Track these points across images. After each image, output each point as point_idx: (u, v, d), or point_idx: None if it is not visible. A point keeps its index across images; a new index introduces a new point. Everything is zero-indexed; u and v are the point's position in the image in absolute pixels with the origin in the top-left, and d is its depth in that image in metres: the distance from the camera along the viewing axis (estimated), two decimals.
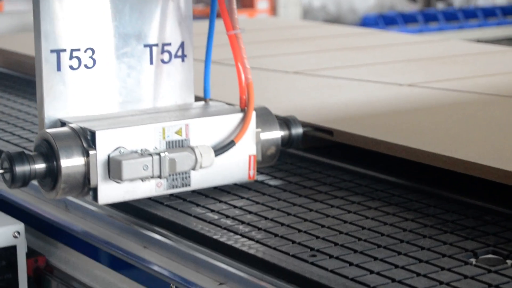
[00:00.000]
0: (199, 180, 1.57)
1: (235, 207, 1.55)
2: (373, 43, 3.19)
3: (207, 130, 1.56)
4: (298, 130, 1.70)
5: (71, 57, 1.54)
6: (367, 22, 8.28)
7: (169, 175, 1.52)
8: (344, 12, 8.76)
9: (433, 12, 8.79)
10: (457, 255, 1.33)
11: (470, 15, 8.67)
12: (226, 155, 1.57)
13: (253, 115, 1.59)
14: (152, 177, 1.49)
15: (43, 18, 1.50)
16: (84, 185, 1.49)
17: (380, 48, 3.08)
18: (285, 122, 1.70)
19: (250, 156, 1.61)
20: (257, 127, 1.61)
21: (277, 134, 1.66)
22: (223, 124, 1.58)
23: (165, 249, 1.46)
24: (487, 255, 1.35)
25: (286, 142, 1.70)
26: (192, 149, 1.52)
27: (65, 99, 1.55)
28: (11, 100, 2.45)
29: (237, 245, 1.38)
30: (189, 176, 1.56)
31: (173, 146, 1.53)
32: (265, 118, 1.65)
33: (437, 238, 1.40)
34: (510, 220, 1.48)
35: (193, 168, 1.52)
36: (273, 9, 7.84)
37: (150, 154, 1.48)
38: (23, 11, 5.74)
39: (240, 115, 1.59)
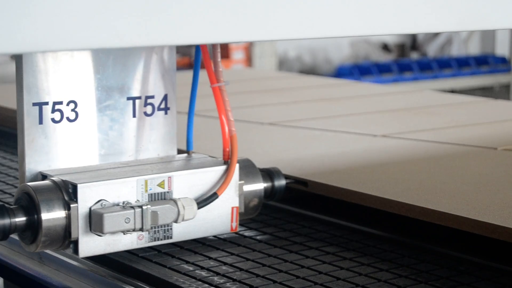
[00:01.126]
0: (181, 232, 1.56)
1: (210, 258, 1.54)
2: (347, 94, 3.21)
3: (190, 183, 1.55)
4: (281, 182, 1.70)
5: (53, 110, 1.53)
6: (342, 72, 8.36)
7: (151, 228, 1.51)
8: (319, 63, 8.83)
9: (407, 62, 8.89)
10: None
11: (444, 65, 8.78)
12: (209, 207, 1.56)
13: (236, 168, 1.59)
14: (134, 230, 1.47)
15: (26, 71, 1.49)
16: (65, 238, 1.47)
17: (354, 99, 3.10)
18: (268, 174, 1.70)
19: (233, 208, 1.60)
20: (240, 179, 1.61)
21: (260, 186, 1.66)
22: (206, 177, 1.57)
23: None
24: None
25: (269, 194, 1.70)
26: (175, 201, 1.51)
27: (47, 152, 1.54)
28: None
29: None
30: (171, 229, 1.55)
31: (155, 198, 1.52)
32: (248, 170, 1.65)
33: None
34: (484, 270, 1.49)
35: (176, 221, 1.51)
36: (249, 60, 7.89)
37: (132, 207, 1.47)
38: None
39: (223, 168, 1.59)
